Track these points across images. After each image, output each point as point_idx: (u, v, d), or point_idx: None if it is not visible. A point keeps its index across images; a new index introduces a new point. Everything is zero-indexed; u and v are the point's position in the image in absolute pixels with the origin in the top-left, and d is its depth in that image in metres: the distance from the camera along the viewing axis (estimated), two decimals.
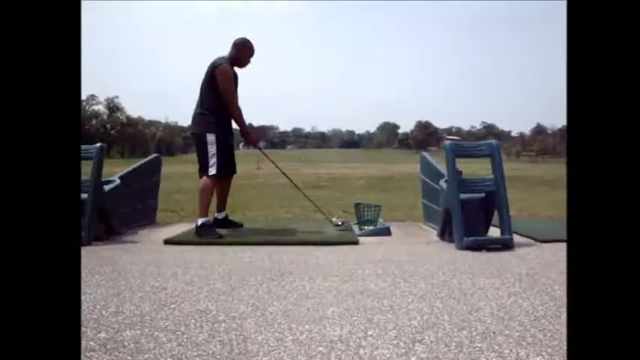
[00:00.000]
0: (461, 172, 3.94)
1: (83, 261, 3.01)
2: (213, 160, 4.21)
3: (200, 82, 4.33)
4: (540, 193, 11.36)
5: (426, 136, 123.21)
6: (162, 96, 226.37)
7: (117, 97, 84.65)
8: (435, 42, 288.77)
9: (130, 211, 4.63)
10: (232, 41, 4.39)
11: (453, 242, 3.78)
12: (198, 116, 4.31)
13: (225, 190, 4.56)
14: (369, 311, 2.14)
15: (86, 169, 3.52)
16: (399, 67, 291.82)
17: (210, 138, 4.23)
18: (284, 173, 4.99)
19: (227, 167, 4.36)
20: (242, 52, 4.38)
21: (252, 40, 4.41)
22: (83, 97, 69.95)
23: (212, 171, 4.22)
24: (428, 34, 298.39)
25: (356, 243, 3.92)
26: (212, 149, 4.21)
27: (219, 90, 4.22)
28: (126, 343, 1.76)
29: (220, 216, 4.56)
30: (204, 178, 4.24)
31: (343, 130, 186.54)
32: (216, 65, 4.23)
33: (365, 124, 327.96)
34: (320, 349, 1.72)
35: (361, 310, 2.15)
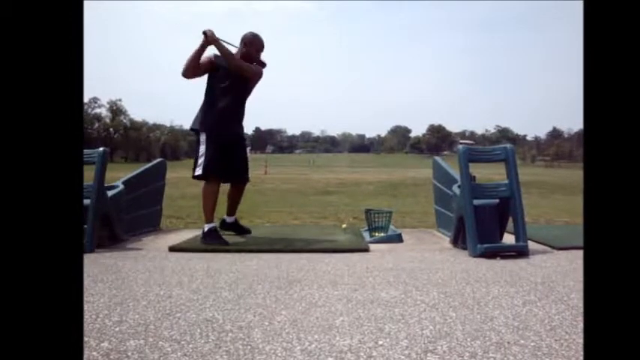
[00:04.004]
0: (475, 177, 3.89)
1: (86, 269, 3.01)
2: (200, 160, 4.07)
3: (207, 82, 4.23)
4: (556, 199, 11.25)
5: (438, 140, 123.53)
6: (166, 98, 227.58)
7: (120, 99, 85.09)
8: (447, 43, 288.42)
9: (133, 217, 4.60)
10: (240, 37, 4.27)
11: (466, 249, 3.73)
12: (198, 113, 4.20)
13: (236, 196, 4.49)
14: (379, 320, 2.10)
15: (89, 175, 3.50)
16: (410, 69, 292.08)
17: (202, 137, 4.10)
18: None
19: (217, 169, 4.10)
20: (251, 46, 4.25)
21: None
22: (85, 99, 70.01)
23: (197, 171, 4.08)
24: (440, 35, 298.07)
25: (366, 250, 3.87)
26: (202, 149, 4.08)
27: (235, 70, 4.08)
28: (130, 354, 1.72)
29: (229, 219, 4.52)
30: (203, 183, 4.15)
31: (353, 134, 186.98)
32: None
33: (376, 127, 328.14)
34: (329, 359, 1.68)
35: (372, 320, 2.11)
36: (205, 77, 4.24)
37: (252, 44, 4.26)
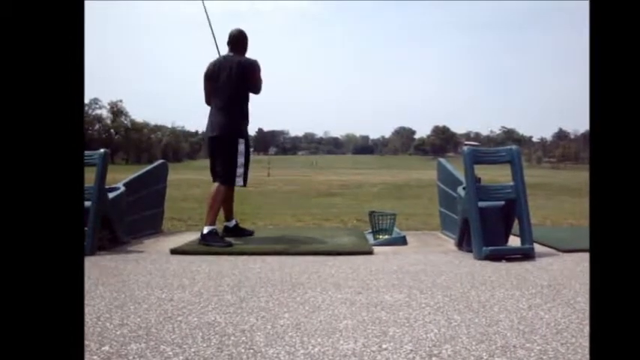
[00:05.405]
0: (480, 179, 3.86)
1: (86, 271, 2.99)
2: (241, 170, 4.21)
3: (222, 82, 4.25)
4: (562, 200, 11.19)
5: (443, 141, 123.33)
6: (167, 99, 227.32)
7: (121, 100, 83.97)
8: (452, 43, 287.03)
9: (135, 219, 4.56)
10: (229, 36, 4.38)
11: (471, 252, 3.70)
12: (226, 118, 4.25)
13: (232, 198, 4.51)
14: (383, 324, 2.08)
15: (89, 176, 3.46)
16: (414, 70, 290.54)
17: (241, 147, 4.22)
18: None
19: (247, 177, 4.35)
20: (245, 42, 4.40)
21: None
22: (86, 100, 69.18)
23: (239, 182, 4.23)
24: (445, 35, 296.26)
25: (370, 253, 3.84)
26: (241, 159, 4.20)
27: (253, 87, 4.27)
28: (131, 357, 1.71)
29: (231, 224, 4.51)
30: (219, 185, 4.17)
31: (357, 135, 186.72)
32: (253, 64, 4.27)
33: (379, 129, 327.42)
34: None
35: (376, 323, 2.09)
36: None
37: (243, 39, 4.41)
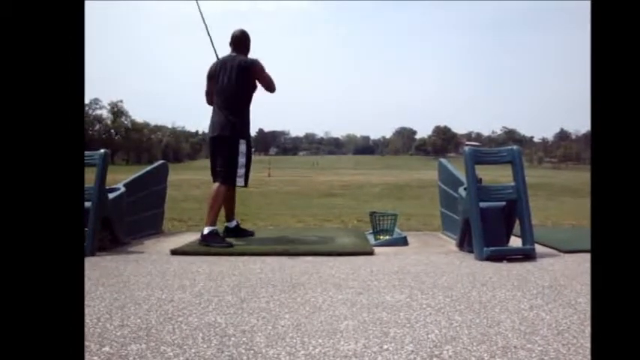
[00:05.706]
0: (481, 179, 3.86)
1: (87, 272, 2.99)
2: (242, 171, 4.20)
3: (222, 82, 4.25)
4: (564, 201, 11.19)
5: (444, 141, 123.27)
6: (167, 99, 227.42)
7: (121, 101, 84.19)
8: (453, 44, 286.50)
9: (135, 220, 4.55)
10: (231, 37, 4.39)
11: (472, 253, 3.69)
12: (227, 118, 4.22)
13: (233, 198, 4.51)
14: (384, 324, 2.07)
15: (89, 177, 3.45)
16: (414, 70, 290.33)
17: (242, 147, 4.21)
18: None
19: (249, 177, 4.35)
20: (247, 43, 4.42)
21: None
22: (86, 100, 68.61)
23: (240, 182, 4.22)
24: (446, 36, 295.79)
25: (371, 253, 3.84)
26: (242, 159, 4.20)
27: (266, 87, 4.32)
28: (131, 358, 1.71)
29: (232, 225, 4.51)
30: (219, 185, 4.16)
31: (358, 135, 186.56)
32: (253, 63, 4.26)
33: (380, 129, 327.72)
34: None
35: (377, 324, 2.09)
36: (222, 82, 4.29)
37: (246, 40, 4.44)
